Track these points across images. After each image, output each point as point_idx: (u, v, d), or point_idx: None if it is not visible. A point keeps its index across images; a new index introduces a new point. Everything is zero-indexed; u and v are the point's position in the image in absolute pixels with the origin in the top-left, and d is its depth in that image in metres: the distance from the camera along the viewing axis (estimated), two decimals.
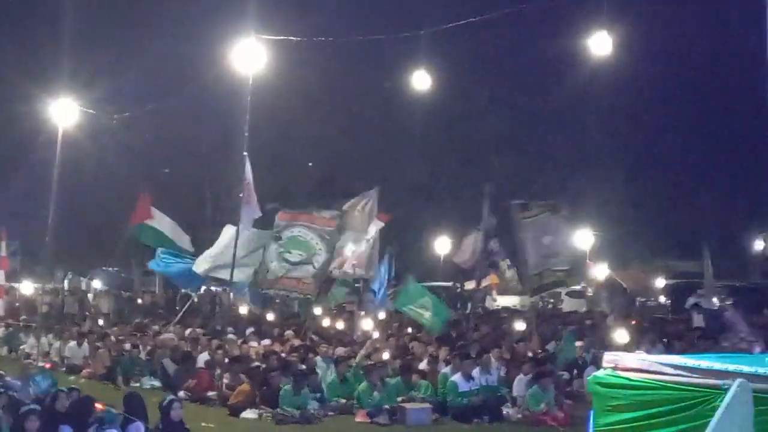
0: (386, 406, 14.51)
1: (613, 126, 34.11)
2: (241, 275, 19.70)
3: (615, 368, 5.52)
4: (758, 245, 38.47)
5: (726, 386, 4.50)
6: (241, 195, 17.95)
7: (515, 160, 35.49)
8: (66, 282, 37.10)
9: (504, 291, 32.70)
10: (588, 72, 22.71)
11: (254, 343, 19.78)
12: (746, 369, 4.72)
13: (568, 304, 34.40)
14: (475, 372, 15.29)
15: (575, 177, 35.45)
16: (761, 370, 4.57)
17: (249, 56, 16.97)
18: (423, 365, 16.88)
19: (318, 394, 15.19)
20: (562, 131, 35.13)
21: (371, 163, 35.72)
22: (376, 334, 20.00)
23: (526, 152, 35.88)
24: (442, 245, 37.66)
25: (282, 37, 17.39)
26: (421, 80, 18.36)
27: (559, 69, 28.96)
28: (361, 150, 34.95)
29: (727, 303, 31.94)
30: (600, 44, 17.09)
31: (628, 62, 25.47)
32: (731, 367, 4.85)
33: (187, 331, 22.07)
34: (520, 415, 14.52)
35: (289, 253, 19.08)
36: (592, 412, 5.72)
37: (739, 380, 4.44)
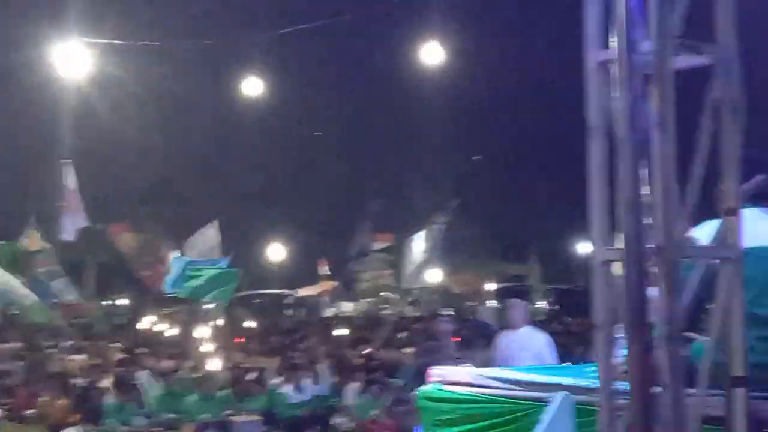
0: (215, 420, 14.22)
1: (444, 133, 34.61)
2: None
3: (442, 382, 5.44)
4: (583, 249, 39.74)
5: (549, 398, 4.48)
6: (62, 204, 17.31)
7: (350, 167, 35.62)
8: None
9: (337, 297, 32.76)
10: (420, 80, 22.96)
11: (75, 357, 19.09)
12: (568, 381, 4.73)
13: (406, 310, 34.77)
14: (306, 382, 15.15)
15: (407, 182, 35.88)
16: (583, 382, 4.59)
17: (72, 60, 16.33)
18: (252, 376, 16.61)
19: (144, 409, 14.76)
20: (396, 137, 35.43)
21: (204, 170, 35.20)
22: (205, 345, 19.59)
23: (361, 159, 36.05)
24: (275, 252, 37.48)
25: (106, 41, 16.82)
26: (253, 86, 18.18)
27: (393, 77, 29.16)
28: (194, 156, 34.38)
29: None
30: (431, 53, 17.29)
31: (460, 72, 25.87)
32: (554, 380, 4.86)
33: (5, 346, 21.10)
34: (351, 425, 14.48)
35: None
36: (419, 428, 5.63)
37: (561, 393, 4.42)
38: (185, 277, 18.56)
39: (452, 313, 26.38)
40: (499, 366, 9.01)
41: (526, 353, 9.15)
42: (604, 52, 3.77)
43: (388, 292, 28.33)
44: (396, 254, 27.00)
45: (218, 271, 18.59)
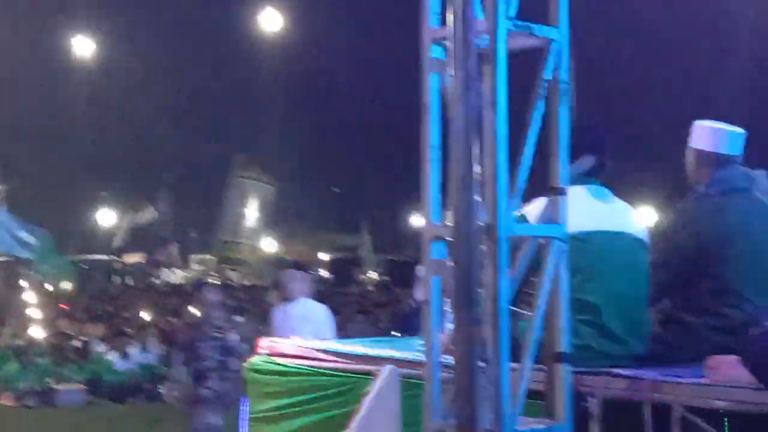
0: (36, 388, 13.79)
1: (280, 104, 34.39)
2: None
3: (270, 354, 5.40)
4: (414, 220, 40.31)
5: (376, 371, 4.50)
6: None
7: (184, 136, 34.99)
8: None
9: (168, 265, 32.26)
10: (259, 48, 22.72)
11: None
12: (396, 354, 4.78)
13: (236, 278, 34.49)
14: (133, 350, 14.85)
15: (245, 150, 35.49)
16: (410, 356, 4.64)
17: None
18: (77, 344, 16.18)
19: None
20: (232, 106, 34.97)
21: (36, 136, 33.96)
22: (27, 311, 18.97)
23: (195, 127, 35.44)
24: (105, 217, 36.56)
25: None
26: (83, 47, 17.59)
27: (230, 44, 28.76)
28: (24, 120, 33.06)
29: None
30: (270, 21, 17.11)
31: (298, 43, 25.80)
32: (382, 353, 4.90)
33: None
34: (176, 393, 14.29)
35: None
36: (246, 399, 5.59)
37: (388, 366, 4.46)
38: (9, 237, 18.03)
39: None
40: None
41: (306, 326, 8.58)
42: (440, 29, 3.77)
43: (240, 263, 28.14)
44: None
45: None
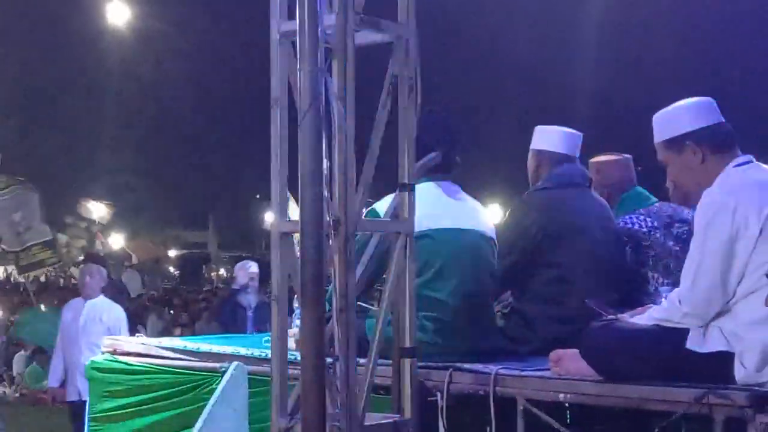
0: None
1: (126, 97, 33.64)
2: None
3: (113, 352, 5.28)
4: (266, 217, 40.12)
5: (223, 369, 4.46)
6: None
7: (18, 125, 33.72)
8: None
9: None
10: (104, 39, 22.17)
11: None
12: (243, 351, 4.75)
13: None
14: None
15: (83, 147, 34.57)
16: (257, 352, 4.61)
17: None
18: None
19: None
20: (73, 103, 33.95)
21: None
22: None
23: (34, 119, 34.28)
24: None
25: None
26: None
27: (77, 35, 28.00)
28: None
29: None
30: (117, 13, 16.74)
31: (143, 34, 25.30)
32: (229, 350, 4.87)
33: None
34: (17, 395, 13.87)
35: None
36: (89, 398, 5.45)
37: (235, 363, 4.43)
38: None
39: None
40: (64, 342, 8.74)
41: (95, 327, 8.16)
42: (288, 23, 3.75)
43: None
44: None
45: None
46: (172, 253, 39.31)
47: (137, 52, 30.57)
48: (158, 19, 27.94)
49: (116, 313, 8.70)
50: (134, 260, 31.24)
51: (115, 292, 18.11)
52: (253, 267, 10.04)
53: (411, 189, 3.92)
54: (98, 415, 5.19)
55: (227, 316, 9.68)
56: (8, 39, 30.40)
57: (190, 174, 37.80)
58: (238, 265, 10.38)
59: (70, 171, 33.22)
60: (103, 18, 16.89)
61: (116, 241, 34.02)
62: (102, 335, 7.24)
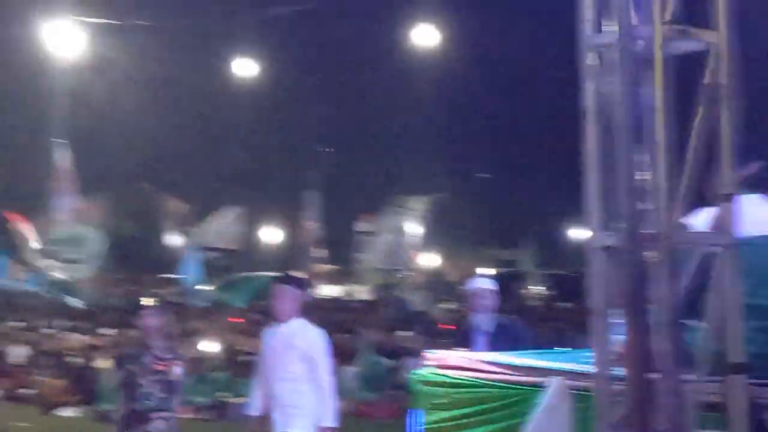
0: (210, 402, 14.24)
1: (437, 117, 34.46)
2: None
3: (438, 366, 5.43)
4: (578, 234, 39.77)
5: (544, 384, 4.47)
6: (55, 184, 17.26)
7: (340, 150, 35.50)
8: None
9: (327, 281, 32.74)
10: (414, 63, 22.85)
11: (73, 337, 19.13)
12: (565, 367, 4.72)
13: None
14: None
15: (400, 167, 35.75)
16: (579, 368, 4.57)
17: (64, 39, 16.26)
18: (248, 358, 16.64)
19: None
20: (387, 122, 35.27)
21: (193, 151, 35.04)
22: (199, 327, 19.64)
23: (352, 142, 35.92)
24: (270, 234, 37.46)
25: (98, 20, 16.73)
26: (244, 66, 18.14)
27: (386, 60, 29.04)
28: (183, 138, 34.23)
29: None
30: (425, 36, 17.23)
31: (454, 55, 25.81)
32: (551, 365, 4.84)
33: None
34: (348, 408, 14.48)
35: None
36: (414, 411, 5.63)
37: (557, 378, 4.41)
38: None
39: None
40: (264, 364, 7.71)
41: (293, 352, 7.38)
42: (598, 36, 3.75)
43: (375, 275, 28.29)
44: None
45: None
46: (486, 271, 39.70)
47: (457, 73, 31.14)
48: (471, 39, 28.44)
49: (312, 336, 7.58)
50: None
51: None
52: (485, 283, 8.43)
53: (731, 200, 3.79)
54: (428, 426, 5.36)
55: (461, 337, 8.07)
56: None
57: (502, 192, 38.13)
58: (471, 282, 8.64)
59: (387, 191, 34.45)
60: (408, 40, 17.47)
61: (432, 260, 34.95)
62: (296, 361, 7.21)
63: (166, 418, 7.53)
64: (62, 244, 18.23)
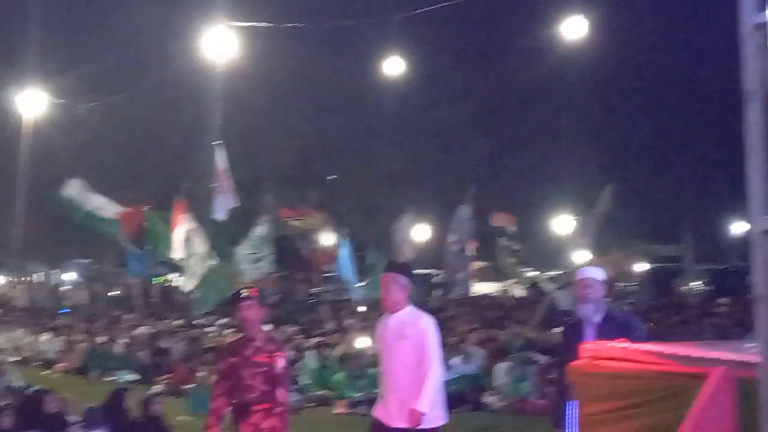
0: (366, 397, 14.36)
1: (588, 110, 33.97)
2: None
3: (595, 357, 5.37)
4: (737, 228, 38.59)
5: (707, 373, 4.35)
6: (213, 185, 17.76)
7: (490, 144, 35.39)
8: (36, 275, 36.78)
9: (481, 278, 32.74)
10: (562, 55, 22.55)
11: (229, 334, 19.64)
12: (728, 357, 4.58)
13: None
14: (455, 361, 15.15)
15: (550, 161, 35.39)
16: (743, 358, 4.43)
17: (218, 44, 16.72)
18: None
19: (299, 386, 15.07)
20: (536, 115, 34.97)
21: (345, 151, 35.54)
22: (353, 323, 19.89)
23: (501, 137, 35.75)
24: (421, 232, 37.58)
25: (251, 24, 17.15)
26: (393, 65, 18.25)
27: (534, 52, 28.78)
28: (335, 137, 34.78)
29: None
30: (574, 28, 16.99)
31: (603, 46, 25.36)
32: (713, 355, 4.71)
33: (162, 323, 21.93)
34: (502, 403, 14.41)
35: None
36: (572, 402, 5.57)
37: (720, 368, 4.29)
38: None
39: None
40: (378, 355, 7.61)
41: (404, 342, 7.15)
42: (760, 15, 3.63)
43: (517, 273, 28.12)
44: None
45: None
46: (642, 267, 38.89)
47: (609, 63, 30.61)
48: (616, 33, 27.96)
49: (422, 325, 7.30)
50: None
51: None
52: (591, 273, 7.56)
53: None
54: (586, 418, 5.29)
55: (569, 329, 7.57)
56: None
57: (659, 186, 37.31)
58: (579, 272, 7.75)
59: (538, 189, 34.16)
60: (559, 34, 17.22)
61: (583, 256, 34.35)
62: (410, 350, 7.08)
63: (270, 411, 7.21)
64: (256, 244, 18.81)
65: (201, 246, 18.13)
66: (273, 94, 29.96)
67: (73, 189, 19.22)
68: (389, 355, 7.25)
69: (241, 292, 7.43)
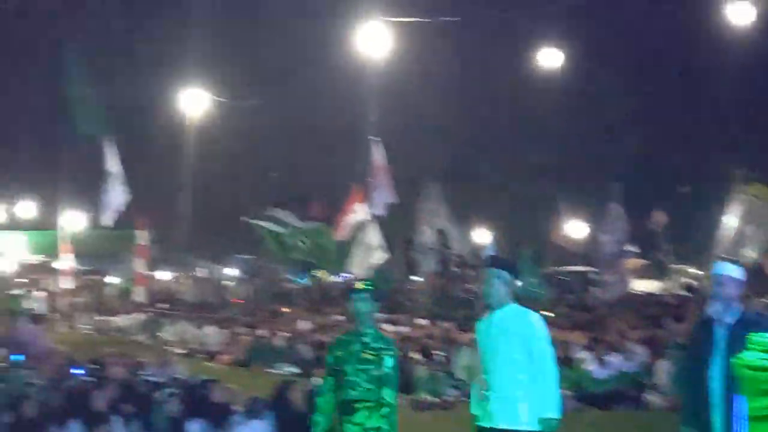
0: None
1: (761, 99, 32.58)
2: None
3: (763, 350, 5.14)
4: None
5: None
6: (369, 180, 17.86)
7: (648, 139, 34.49)
8: (201, 270, 37.85)
9: (639, 276, 31.97)
10: (728, 42, 21.75)
11: (389, 329, 19.74)
12: None
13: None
14: (610, 358, 14.85)
15: (715, 158, 34.22)
16: None
17: (373, 39, 16.81)
18: (560, 352, 16.50)
19: (455, 381, 15.03)
20: (697, 111, 33.86)
21: (499, 147, 35.31)
22: None
23: (661, 131, 34.79)
24: (576, 229, 36.99)
25: (406, 19, 17.21)
26: (551, 58, 18.03)
27: (693, 44, 27.93)
28: (490, 133, 34.58)
29: None
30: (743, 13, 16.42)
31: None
32: None
33: (326, 319, 22.22)
34: (665, 403, 14.02)
35: None
36: (739, 396, 5.36)
37: None
38: None
39: None
40: (480, 353, 7.20)
41: (509, 338, 6.91)
42: None
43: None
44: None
45: None
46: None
47: None
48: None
49: (526, 321, 7.08)
50: None
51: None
52: (729, 270, 6.76)
53: None
54: (754, 413, 5.09)
55: (696, 328, 6.92)
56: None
57: None
58: (715, 267, 6.92)
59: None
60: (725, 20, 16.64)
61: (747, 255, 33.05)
62: (516, 347, 6.78)
63: (372, 410, 6.93)
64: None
65: (373, 237, 18.09)
66: (430, 88, 29.99)
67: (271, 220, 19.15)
68: (492, 353, 7.01)
69: (355, 284, 7.22)
